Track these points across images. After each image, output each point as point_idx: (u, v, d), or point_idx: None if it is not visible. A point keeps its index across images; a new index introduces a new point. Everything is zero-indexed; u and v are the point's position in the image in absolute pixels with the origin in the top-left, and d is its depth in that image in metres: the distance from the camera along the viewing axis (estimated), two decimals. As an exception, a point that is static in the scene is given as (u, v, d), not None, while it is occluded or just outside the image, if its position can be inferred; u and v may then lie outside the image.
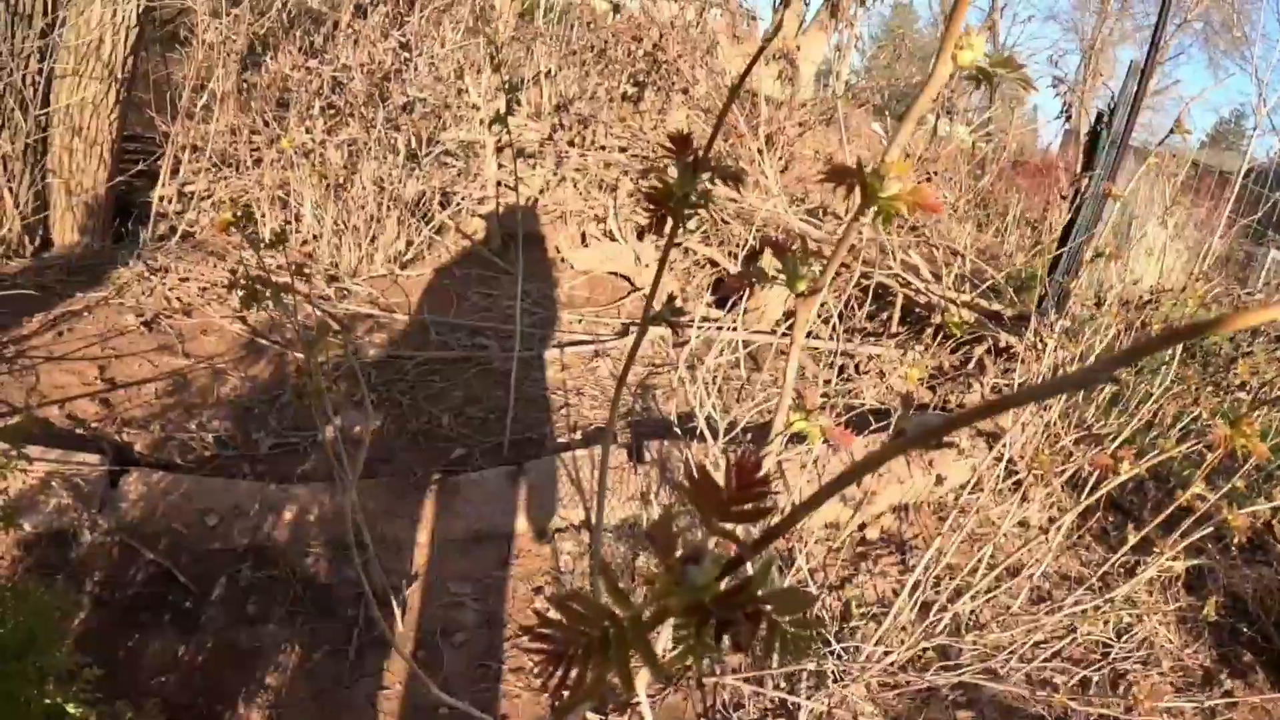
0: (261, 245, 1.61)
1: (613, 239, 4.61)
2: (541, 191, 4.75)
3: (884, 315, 4.48)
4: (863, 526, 2.73)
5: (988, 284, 4.48)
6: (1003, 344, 4.11)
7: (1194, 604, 2.76)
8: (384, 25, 4.37)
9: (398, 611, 1.96)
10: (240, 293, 1.37)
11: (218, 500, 2.18)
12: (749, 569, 0.34)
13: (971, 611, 2.45)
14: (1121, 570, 2.60)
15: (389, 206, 4.08)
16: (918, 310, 4.42)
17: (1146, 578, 2.36)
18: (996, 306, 4.37)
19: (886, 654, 2.05)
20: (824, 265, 0.59)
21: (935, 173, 5.41)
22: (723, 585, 0.32)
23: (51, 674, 1.22)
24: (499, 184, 4.58)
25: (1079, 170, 6.76)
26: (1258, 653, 2.69)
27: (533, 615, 2.07)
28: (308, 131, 4.04)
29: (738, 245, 4.57)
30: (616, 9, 5.73)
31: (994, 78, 0.61)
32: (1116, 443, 2.87)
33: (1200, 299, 3.12)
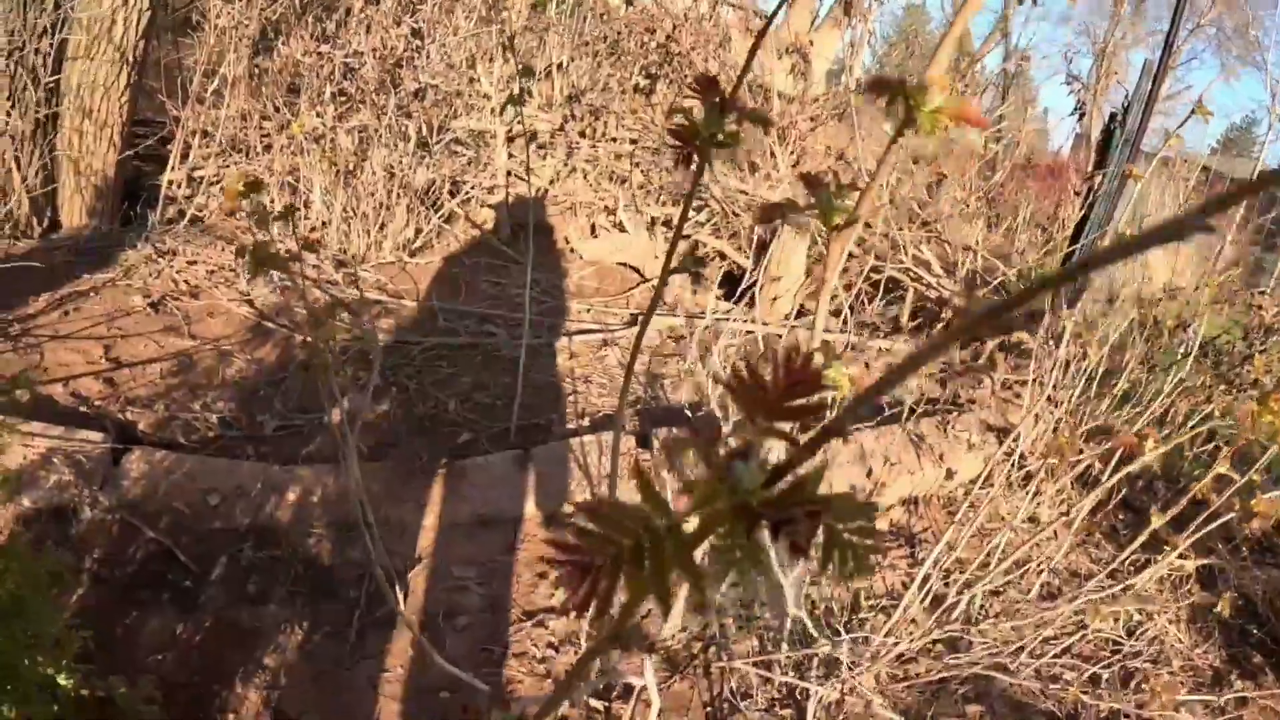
0: (270, 217, 1.58)
1: (622, 230, 4.58)
2: (552, 182, 4.72)
3: (893, 311, 4.44)
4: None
5: (999, 281, 4.44)
6: (1014, 339, 4.07)
7: (1202, 603, 2.72)
8: (396, 12, 4.35)
9: (400, 594, 1.93)
10: (246, 260, 1.34)
11: (220, 480, 2.16)
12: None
13: (981, 606, 2.42)
14: (1132, 568, 2.57)
15: (399, 194, 4.05)
16: (929, 305, 4.38)
17: (1157, 574, 2.33)
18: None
19: (896, 645, 2.02)
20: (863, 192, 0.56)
21: (944, 174, 5.36)
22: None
23: (43, 640, 1.19)
24: (509, 174, 4.55)
25: (1092, 169, 6.72)
26: (1267, 654, 2.65)
27: (537, 600, 2.05)
28: (318, 116, 4.02)
29: (747, 239, 4.53)
30: (629, 1, 5.70)
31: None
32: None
33: (1217, 290, 3.08)
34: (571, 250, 4.49)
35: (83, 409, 2.42)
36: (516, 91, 2.69)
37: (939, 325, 4.20)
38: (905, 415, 3.05)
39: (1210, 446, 3.46)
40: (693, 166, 0.65)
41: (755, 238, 4.17)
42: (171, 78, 4.28)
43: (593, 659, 0.37)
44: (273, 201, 4.00)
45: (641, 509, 0.30)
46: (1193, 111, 1.88)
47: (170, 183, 4.03)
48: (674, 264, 0.75)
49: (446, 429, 2.65)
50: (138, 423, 2.41)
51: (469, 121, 4.50)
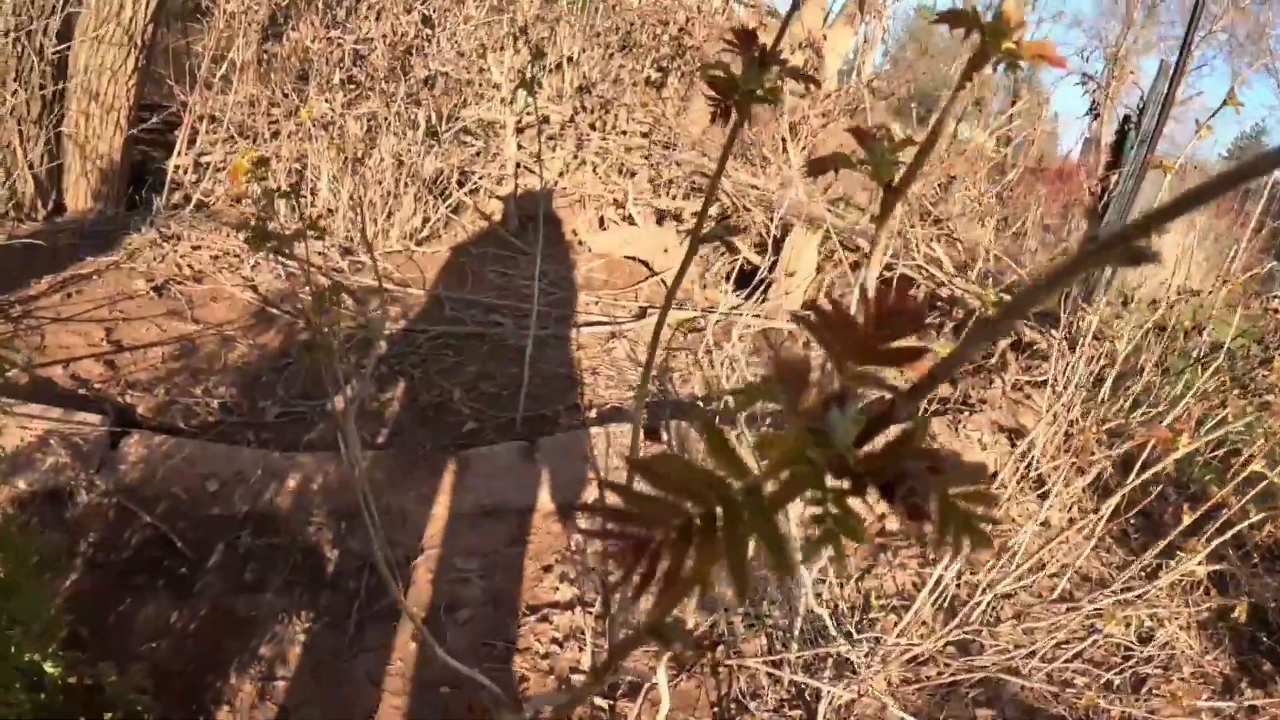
0: (276, 193, 1.54)
1: (632, 223, 4.53)
2: (561, 174, 4.67)
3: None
4: (882, 517, 2.64)
5: (1010, 283, 4.39)
6: (1026, 339, 4.02)
7: (1213, 610, 2.67)
8: (407, -1, 4.30)
9: (400, 585, 1.89)
10: (248, 235, 1.30)
11: (220, 466, 2.11)
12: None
13: (993, 609, 2.37)
14: (1143, 574, 2.53)
15: (407, 183, 4.01)
16: (940, 304, 4.32)
17: (1170, 580, 2.29)
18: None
19: (909, 647, 1.97)
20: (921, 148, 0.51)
21: (954, 176, 5.30)
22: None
23: (31, 626, 1.15)
24: (518, 165, 4.51)
25: (1104, 170, 6.65)
26: (1277, 662, 2.61)
27: (541, 594, 2.00)
28: (327, 103, 3.97)
29: (759, 233, 4.48)
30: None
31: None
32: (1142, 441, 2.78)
33: (1240, 287, 3.02)
34: (580, 243, 4.44)
35: (82, 391, 2.38)
36: (529, 77, 2.64)
37: (948, 323, 4.15)
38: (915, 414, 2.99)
39: (1221, 452, 3.41)
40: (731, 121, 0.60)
41: (774, 234, 4.11)
42: (180, 63, 4.24)
43: (625, 654, 0.32)
44: (279, 187, 3.96)
45: (710, 472, 0.25)
46: (1224, 103, 1.82)
47: (176, 168, 3.99)
48: (703, 230, 0.71)
49: (451, 418, 2.60)
50: (137, 406, 2.37)
51: (479, 111, 4.45)
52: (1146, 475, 1.68)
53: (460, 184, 4.31)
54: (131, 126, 3.88)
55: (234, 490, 2.06)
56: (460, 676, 1.36)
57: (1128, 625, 2.53)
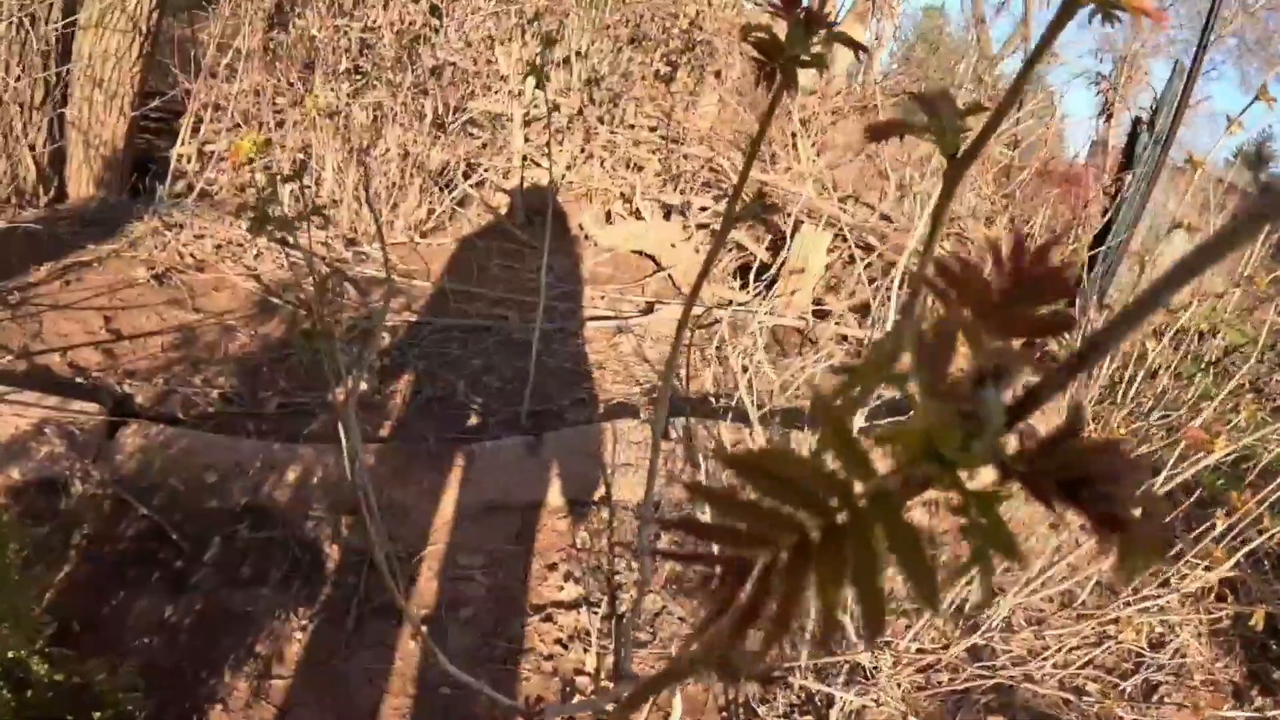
0: (279, 177, 1.49)
1: (639, 218, 4.48)
2: (568, 168, 4.62)
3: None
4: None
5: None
6: (1037, 340, 3.96)
7: (1228, 616, 2.64)
8: (415, -13, 4.25)
9: (401, 583, 1.84)
10: (249, 218, 1.25)
11: (218, 457, 2.07)
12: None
13: (1006, 615, 2.33)
14: (1153, 578, 2.49)
15: (412, 174, 3.96)
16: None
17: (1196, 586, 2.25)
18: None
19: (920, 652, 1.92)
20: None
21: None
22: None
23: (19, 621, 1.10)
24: (525, 158, 4.45)
25: (1118, 171, 6.59)
26: (1287, 670, 2.57)
27: (545, 592, 1.95)
28: (333, 92, 3.92)
29: (766, 230, 4.43)
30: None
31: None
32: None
33: (1263, 285, 2.97)
34: (586, 237, 4.39)
35: (79, 380, 2.33)
36: (538, 65, 2.59)
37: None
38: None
39: (1231, 457, 3.36)
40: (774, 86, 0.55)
41: (787, 229, 4.05)
42: (185, 52, 4.20)
43: (662, 688, 0.27)
44: (280, 172, 3.91)
45: (830, 473, 0.20)
46: (1257, 97, 1.77)
47: (180, 156, 3.95)
48: (738, 210, 0.66)
49: (455, 412, 2.55)
50: (135, 396, 2.32)
51: (486, 103, 4.40)
52: (1186, 475, 1.63)
53: (466, 176, 4.26)
54: (135, 114, 3.83)
55: (232, 482, 2.01)
56: (462, 678, 1.32)
57: (1138, 632, 2.49)
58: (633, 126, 4.77)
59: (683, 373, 3.06)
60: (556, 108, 4.44)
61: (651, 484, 0.82)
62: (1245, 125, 2.87)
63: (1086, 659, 2.28)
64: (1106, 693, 2.06)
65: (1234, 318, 3.77)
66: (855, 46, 0.59)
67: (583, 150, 4.62)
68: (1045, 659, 2.10)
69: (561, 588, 1.95)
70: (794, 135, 4.69)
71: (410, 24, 4.05)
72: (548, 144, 3.20)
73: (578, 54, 4.73)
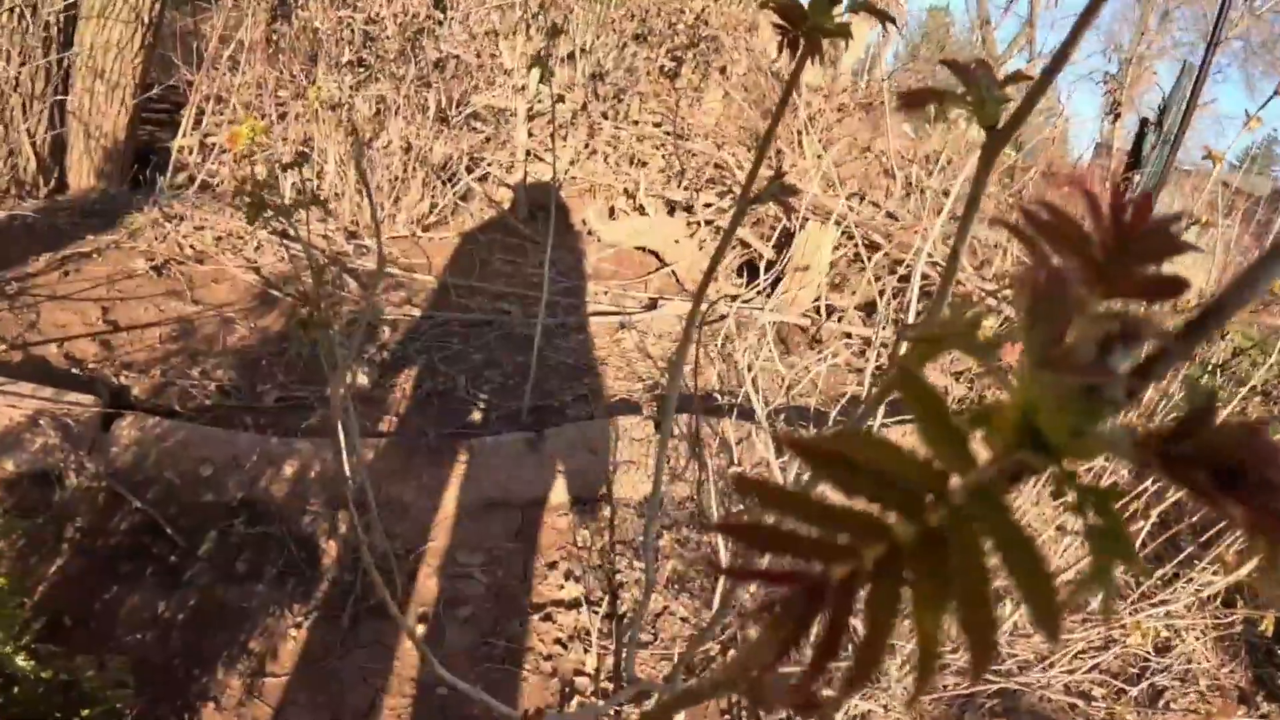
0: (280, 167, 1.47)
1: (643, 213, 4.44)
2: (572, 163, 4.58)
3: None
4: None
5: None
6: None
7: (1236, 621, 2.61)
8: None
9: (399, 580, 1.81)
10: (244, 203, 1.22)
11: (215, 450, 2.04)
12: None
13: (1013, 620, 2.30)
14: (1159, 582, 2.46)
15: (414, 167, 3.93)
16: (954, 302, 4.23)
17: (1213, 590, 2.23)
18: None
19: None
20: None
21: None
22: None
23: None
24: (528, 153, 4.42)
25: (1122, 173, 6.54)
26: (1292, 675, 2.54)
27: (545, 591, 1.91)
28: (338, 88, 3.89)
29: (770, 226, 4.39)
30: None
31: None
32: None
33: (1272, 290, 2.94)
34: (590, 233, 4.36)
35: (75, 371, 2.30)
36: (543, 55, 2.55)
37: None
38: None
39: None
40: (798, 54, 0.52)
41: (795, 227, 4.02)
42: (187, 44, 4.17)
43: (678, 710, 0.23)
44: (285, 172, 3.88)
45: (925, 462, 0.16)
46: (1275, 93, 1.73)
47: (181, 148, 3.92)
48: (756, 191, 0.63)
49: (455, 407, 2.52)
50: (132, 388, 2.29)
51: (489, 97, 4.37)
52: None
53: (469, 170, 4.23)
54: (136, 105, 3.81)
55: (228, 476, 1.99)
56: (460, 675, 1.28)
57: (1144, 636, 2.46)
58: (637, 122, 4.73)
59: (689, 369, 3.03)
60: (561, 99, 4.41)
61: (658, 481, 0.79)
62: (1248, 126, 2.83)
63: (1093, 663, 2.26)
64: (1099, 697, 2.03)
65: (1241, 320, 3.73)
66: (883, 17, 0.56)
67: (586, 145, 4.59)
68: (1052, 663, 2.07)
69: (562, 586, 1.92)
70: (799, 133, 4.65)
71: (414, 16, 4.02)
72: (551, 138, 3.17)
73: (582, 49, 4.70)
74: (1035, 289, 0.17)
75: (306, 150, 3.96)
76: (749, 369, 1.92)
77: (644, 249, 4.28)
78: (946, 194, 4.59)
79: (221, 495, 1.95)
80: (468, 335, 2.98)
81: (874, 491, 0.16)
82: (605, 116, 4.62)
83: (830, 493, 0.17)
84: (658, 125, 4.76)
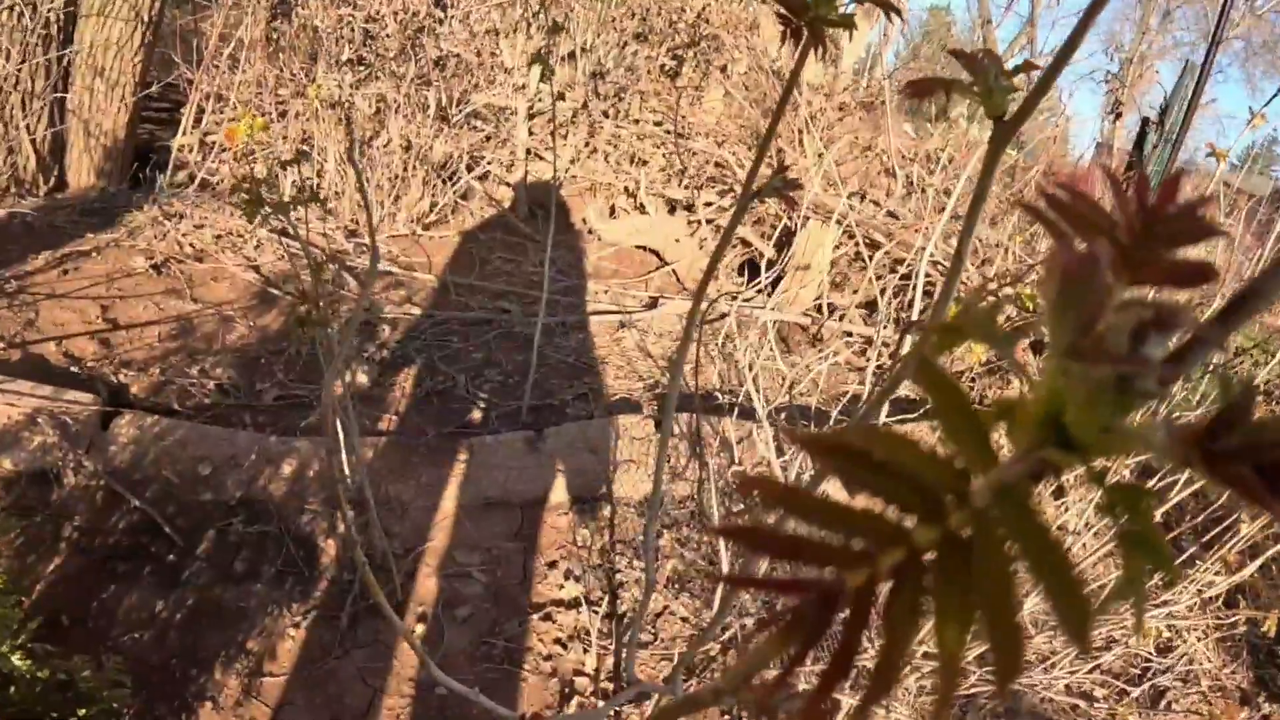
0: (279, 164, 1.46)
1: (643, 212, 4.43)
2: (572, 161, 4.58)
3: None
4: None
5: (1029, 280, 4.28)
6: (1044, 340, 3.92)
7: (1238, 621, 2.61)
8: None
9: (397, 580, 1.80)
10: (241, 198, 1.21)
11: (213, 449, 2.03)
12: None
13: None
14: (1161, 583, 2.46)
15: (414, 166, 3.92)
16: (960, 299, 4.22)
17: (1210, 591, 2.22)
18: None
19: (927, 657, 1.88)
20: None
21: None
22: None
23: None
24: (529, 151, 4.41)
25: (1123, 172, 6.52)
26: (1294, 675, 2.54)
27: (544, 591, 1.91)
28: (338, 86, 3.88)
29: (771, 225, 4.38)
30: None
31: None
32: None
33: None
34: (590, 231, 4.35)
35: (74, 370, 2.30)
36: (543, 52, 2.55)
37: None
38: (930, 414, 2.90)
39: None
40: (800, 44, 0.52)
41: (795, 225, 4.01)
42: (188, 43, 4.17)
43: (687, 712, 0.22)
44: (285, 170, 3.88)
45: (946, 460, 0.15)
46: None
47: (181, 146, 3.91)
48: (758, 185, 0.62)
49: (455, 406, 2.51)
50: (131, 386, 2.29)
51: (490, 96, 4.36)
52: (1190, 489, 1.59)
53: (469, 169, 4.22)
54: (136, 103, 3.80)
55: (227, 475, 1.98)
56: (459, 674, 1.28)
57: (1146, 636, 2.45)
58: (637, 121, 4.72)
59: (689, 368, 3.02)
60: (561, 97, 4.40)
61: (659, 481, 0.78)
62: (1251, 125, 2.82)
63: (1095, 664, 2.25)
64: (1100, 698, 2.02)
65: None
66: (887, 7, 0.55)
67: (587, 144, 4.58)
68: (1054, 664, 2.06)
69: (561, 586, 1.91)
70: (800, 131, 4.64)
71: (414, 14, 4.01)
72: (552, 137, 3.16)
73: (583, 48, 4.69)
74: (1065, 274, 0.16)
75: (306, 149, 3.95)
76: (750, 368, 1.92)
77: (644, 248, 4.27)
78: (948, 193, 4.58)
79: (220, 494, 1.94)
80: (467, 334, 2.97)
81: (891, 491, 0.15)
82: (606, 115, 4.61)
83: (835, 493, 0.16)
84: (658, 124, 4.75)
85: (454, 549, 1.96)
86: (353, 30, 3.99)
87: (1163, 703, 2.34)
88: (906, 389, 3.12)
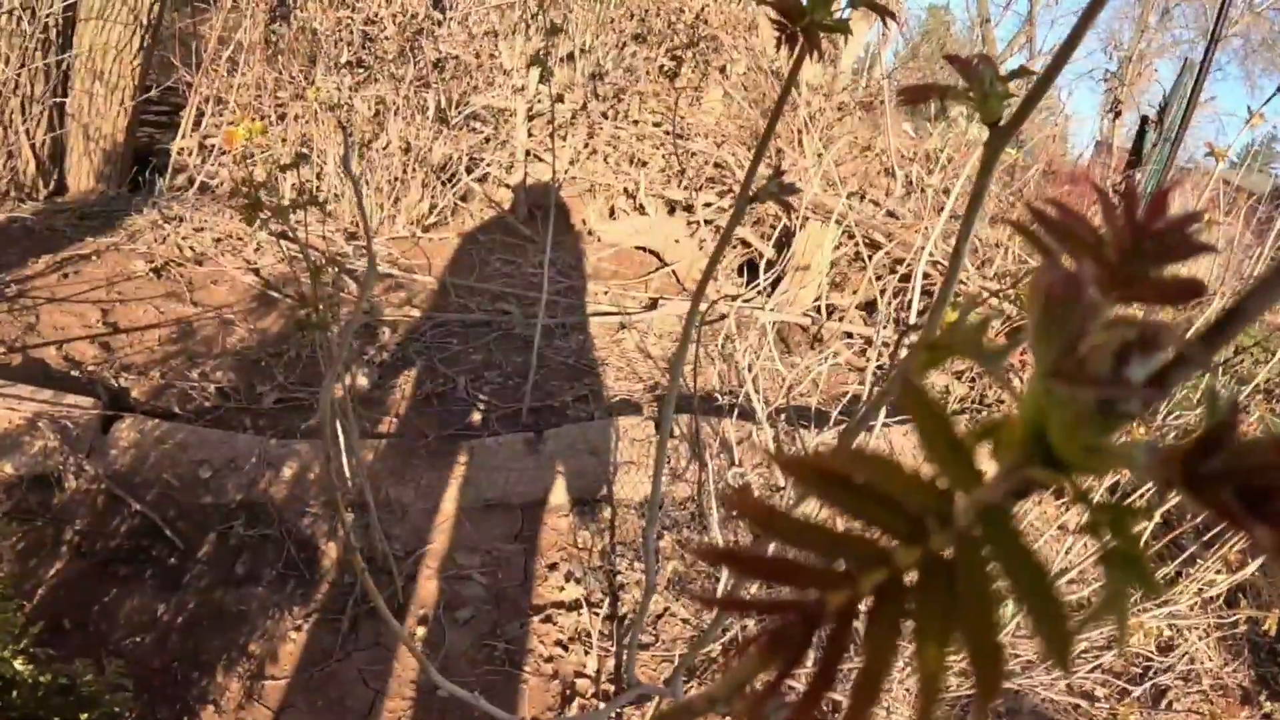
0: (278, 166, 1.46)
1: (643, 213, 4.44)
2: (572, 163, 4.58)
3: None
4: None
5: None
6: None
7: (1239, 620, 2.61)
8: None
9: (398, 582, 1.80)
10: (243, 205, 1.21)
11: (214, 452, 2.03)
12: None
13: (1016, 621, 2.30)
14: (1162, 582, 2.46)
15: (414, 168, 3.92)
16: (958, 301, 4.22)
17: (1210, 590, 2.23)
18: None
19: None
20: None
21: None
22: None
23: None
24: (528, 153, 4.42)
25: (1123, 170, 6.53)
26: (1295, 674, 2.54)
27: (545, 593, 1.91)
28: (336, 89, 3.89)
29: (770, 225, 4.39)
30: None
31: None
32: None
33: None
34: (590, 232, 4.35)
35: (75, 373, 2.30)
36: (542, 53, 2.55)
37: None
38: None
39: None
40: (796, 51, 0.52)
41: (795, 226, 4.02)
42: (187, 46, 4.17)
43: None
44: (284, 172, 3.88)
45: (929, 481, 0.16)
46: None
47: (181, 150, 3.92)
48: (755, 190, 0.62)
49: (455, 407, 2.52)
50: (131, 389, 2.29)
51: (489, 98, 4.37)
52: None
53: (469, 170, 4.23)
54: (135, 107, 3.81)
55: (227, 478, 1.98)
56: (460, 675, 1.28)
57: (1147, 635, 2.46)
58: (637, 122, 4.73)
59: (689, 369, 3.02)
60: (560, 99, 4.40)
61: (659, 482, 0.78)
62: (1250, 123, 2.82)
63: (1096, 663, 2.26)
64: (1102, 697, 2.02)
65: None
66: (882, 12, 0.55)
67: (586, 145, 4.58)
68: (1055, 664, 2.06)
69: (562, 588, 1.91)
70: (799, 131, 4.65)
71: (413, 17, 4.02)
72: (551, 138, 3.16)
73: (582, 49, 4.70)
74: (1048, 294, 0.16)
75: (306, 151, 3.95)
76: (749, 369, 1.92)
77: (644, 249, 4.28)
78: (947, 193, 4.58)
79: (220, 497, 1.94)
80: (467, 336, 2.97)
81: (872, 514, 0.15)
82: (605, 116, 4.62)
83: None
84: (657, 125, 4.76)
85: (454, 551, 1.96)
86: (351, 33, 4.00)
87: (1164, 702, 2.34)
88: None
